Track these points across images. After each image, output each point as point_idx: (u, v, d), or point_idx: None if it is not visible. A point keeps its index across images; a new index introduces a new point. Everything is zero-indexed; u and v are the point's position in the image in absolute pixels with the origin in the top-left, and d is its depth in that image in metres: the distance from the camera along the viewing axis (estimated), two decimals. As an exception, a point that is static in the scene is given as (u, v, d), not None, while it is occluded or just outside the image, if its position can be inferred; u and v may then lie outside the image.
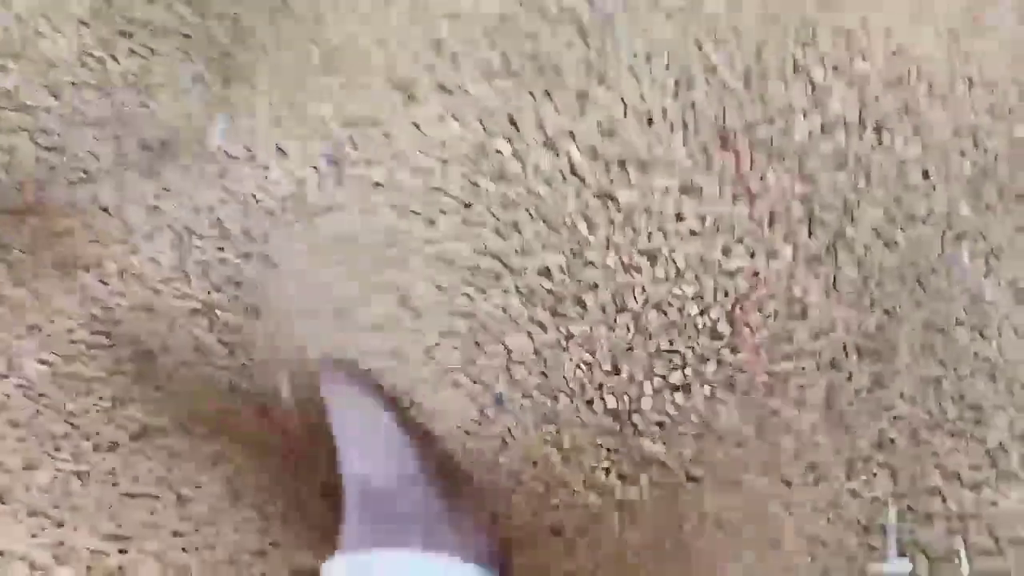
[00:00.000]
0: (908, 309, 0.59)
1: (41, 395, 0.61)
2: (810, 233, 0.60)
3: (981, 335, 0.59)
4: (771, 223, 0.59)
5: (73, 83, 0.70)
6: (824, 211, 0.59)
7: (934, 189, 0.59)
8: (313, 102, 0.65)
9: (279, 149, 0.65)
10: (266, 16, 0.71)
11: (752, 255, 0.59)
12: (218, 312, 0.67)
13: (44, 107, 0.70)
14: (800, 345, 0.60)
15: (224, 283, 0.67)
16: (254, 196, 0.66)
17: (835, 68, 0.58)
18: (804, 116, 0.59)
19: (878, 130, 0.59)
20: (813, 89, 0.59)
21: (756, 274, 0.59)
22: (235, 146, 0.67)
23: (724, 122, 0.59)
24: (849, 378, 0.60)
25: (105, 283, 0.65)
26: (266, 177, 0.65)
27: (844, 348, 0.60)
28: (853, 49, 0.59)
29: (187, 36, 0.72)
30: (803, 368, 0.60)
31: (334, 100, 0.64)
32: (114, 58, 0.71)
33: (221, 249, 0.66)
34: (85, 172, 0.70)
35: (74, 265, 0.66)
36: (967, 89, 0.61)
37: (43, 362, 0.62)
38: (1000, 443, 0.58)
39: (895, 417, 0.58)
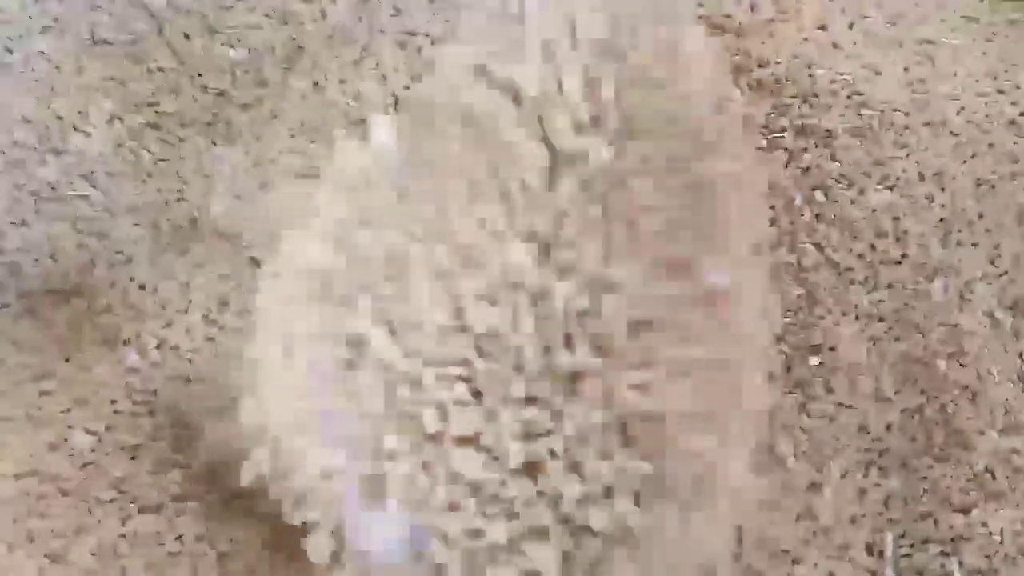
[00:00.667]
0: (888, 343, 0.63)
1: (89, 463, 0.66)
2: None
3: (960, 363, 0.62)
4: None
5: (109, 173, 0.77)
6: (804, 256, 0.64)
7: (906, 233, 0.63)
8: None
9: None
10: (295, 98, 0.76)
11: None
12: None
13: (83, 197, 0.76)
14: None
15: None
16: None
17: (800, 128, 0.63)
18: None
19: (848, 181, 0.64)
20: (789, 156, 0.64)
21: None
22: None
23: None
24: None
25: (144, 356, 0.71)
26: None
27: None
28: (819, 106, 0.64)
29: (210, 124, 0.78)
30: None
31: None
32: (146, 148, 0.77)
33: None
34: (123, 254, 0.75)
35: (115, 340, 0.71)
36: (931, 135, 0.65)
37: (90, 432, 0.67)
38: (986, 466, 0.61)
39: (885, 450, 0.62)
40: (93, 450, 0.67)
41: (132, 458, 0.66)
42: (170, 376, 0.70)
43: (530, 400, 0.40)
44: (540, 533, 0.40)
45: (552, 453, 0.40)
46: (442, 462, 0.41)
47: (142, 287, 0.73)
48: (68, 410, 0.68)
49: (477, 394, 0.40)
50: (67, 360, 0.71)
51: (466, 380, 0.41)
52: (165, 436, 0.68)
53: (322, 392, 0.47)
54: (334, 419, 0.47)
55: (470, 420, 0.40)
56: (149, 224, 0.75)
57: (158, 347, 0.71)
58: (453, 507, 0.41)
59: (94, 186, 0.76)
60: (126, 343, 0.71)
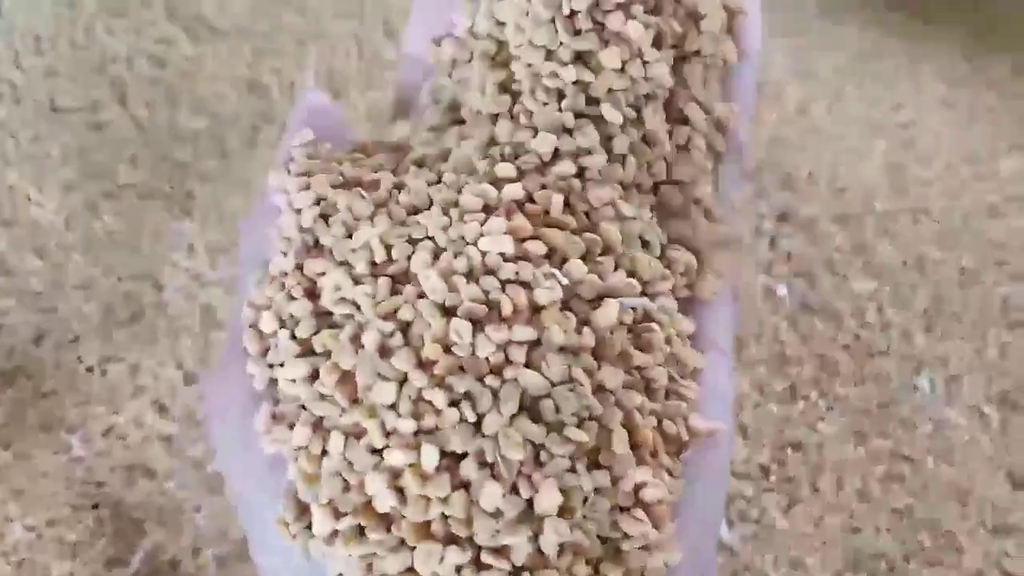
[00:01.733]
0: (875, 440, 0.60)
1: (24, 560, 0.62)
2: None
3: (948, 462, 0.60)
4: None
5: (61, 246, 0.73)
6: (787, 348, 0.61)
7: (890, 324, 0.61)
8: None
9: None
10: (260, 170, 0.74)
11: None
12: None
13: (32, 271, 0.72)
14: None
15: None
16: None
17: (781, 215, 0.61)
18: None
19: (831, 268, 0.62)
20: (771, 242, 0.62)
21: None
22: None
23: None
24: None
25: (89, 444, 0.66)
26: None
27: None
28: (800, 191, 0.62)
29: (169, 196, 0.75)
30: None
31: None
32: (101, 220, 0.74)
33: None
34: (71, 331, 0.72)
35: (59, 426, 0.67)
36: (912, 221, 0.64)
37: (27, 528, 0.63)
38: (978, 570, 0.59)
39: (873, 555, 0.59)
40: (30, 547, 0.62)
41: (72, 557, 0.62)
42: (116, 467, 0.66)
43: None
44: None
45: None
46: None
47: (89, 369, 0.69)
48: (4, 502, 0.63)
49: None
50: (6, 447, 0.66)
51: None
52: (107, 533, 0.63)
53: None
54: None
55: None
56: (100, 300, 0.72)
57: (104, 435, 0.67)
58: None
59: (44, 259, 0.73)
60: (70, 430, 0.67)
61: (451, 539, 0.27)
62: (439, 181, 0.32)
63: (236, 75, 0.79)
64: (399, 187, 0.32)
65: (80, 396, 0.68)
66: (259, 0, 0.82)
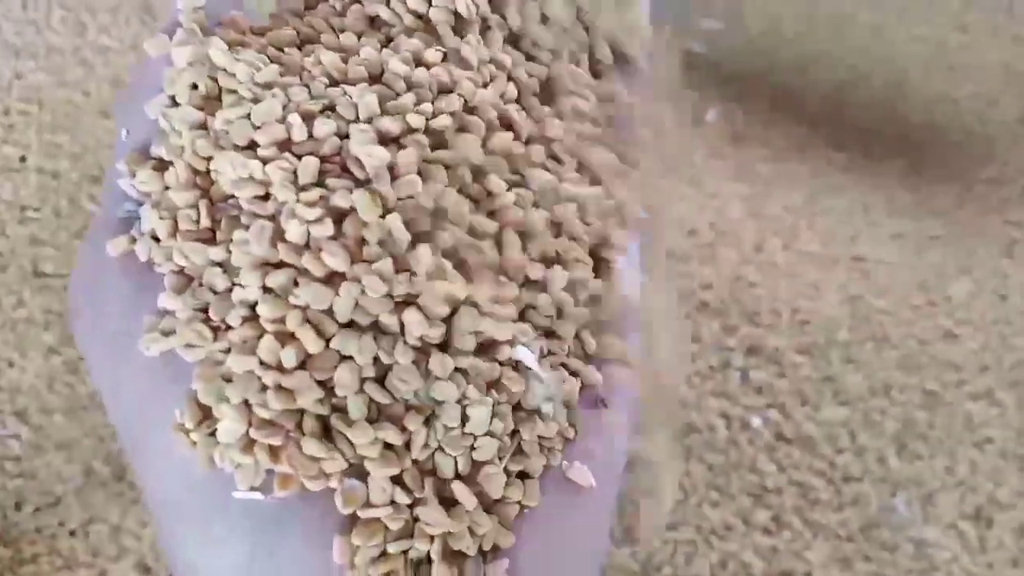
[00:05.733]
0: (860, 564, 0.61)
1: None
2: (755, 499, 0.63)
3: (931, 583, 0.61)
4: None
5: (42, 409, 0.73)
6: (766, 479, 0.63)
7: (864, 448, 0.63)
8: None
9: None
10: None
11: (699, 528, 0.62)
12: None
13: (13, 435, 0.72)
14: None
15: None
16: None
17: (749, 349, 0.64)
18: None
19: (802, 398, 0.64)
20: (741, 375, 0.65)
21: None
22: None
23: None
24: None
25: (71, 611, 0.65)
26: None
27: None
28: (765, 325, 0.66)
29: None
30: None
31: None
32: (83, 382, 0.74)
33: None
34: (52, 495, 0.71)
35: (40, 594, 0.66)
36: (875, 349, 0.67)
37: None
38: None
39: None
40: None
41: None
42: (100, 634, 0.64)
43: None
44: None
45: None
46: None
47: (72, 532, 0.69)
48: None
49: None
50: (-14, 618, 0.65)
51: None
52: None
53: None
54: None
55: None
56: (81, 462, 0.72)
57: (87, 601, 0.66)
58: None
59: (26, 423, 0.73)
60: (52, 598, 0.66)
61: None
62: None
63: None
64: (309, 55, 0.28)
65: (62, 560, 0.67)
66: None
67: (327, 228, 0.24)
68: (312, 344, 0.24)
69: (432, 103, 0.27)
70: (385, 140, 0.26)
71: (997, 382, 0.68)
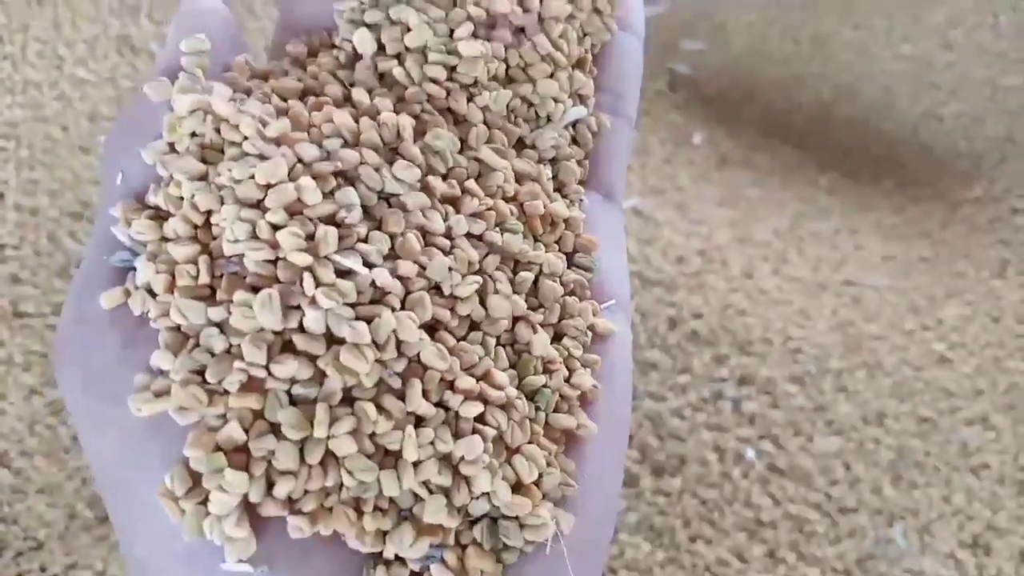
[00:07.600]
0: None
1: None
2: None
3: (932, 615, 0.60)
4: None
5: (23, 452, 0.72)
6: (761, 512, 0.62)
7: (859, 478, 0.62)
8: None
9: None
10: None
11: (693, 567, 0.61)
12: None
13: (-7, 480, 0.71)
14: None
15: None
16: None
17: (741, 378, 0.63)
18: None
19: (795, 428, 0.63)
20: (733, 405, 0.64)
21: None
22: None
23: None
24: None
25: (53, 663, 0.64)
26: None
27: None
28: (756, 354, 0.65)
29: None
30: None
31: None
32: (64, 423, 0.73)
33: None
34: (34, 539, 0.70)
35: (21, 645, 0.65)
36: (867, 376, 0.66)
37: None
38: None
39: None
40: None
41: None
42: None
43: None
44: None
45: None
46: None
47: (54, 579, 0.67)
48: None
49: None
50: (-37, 675, 0.63)
51: None
52: None
53: None
54: None
55: None
56: (64, 506, 0.70)
57: (70, 652, 0.64)
58: None
59: (7, 466, 0.72)
60: (33, 649, 0.64)
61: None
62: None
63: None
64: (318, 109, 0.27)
65: (44, 610, 0.66)
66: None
67: (347, 329, 0.24)
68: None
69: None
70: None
71: (992, 406, 0.67)
